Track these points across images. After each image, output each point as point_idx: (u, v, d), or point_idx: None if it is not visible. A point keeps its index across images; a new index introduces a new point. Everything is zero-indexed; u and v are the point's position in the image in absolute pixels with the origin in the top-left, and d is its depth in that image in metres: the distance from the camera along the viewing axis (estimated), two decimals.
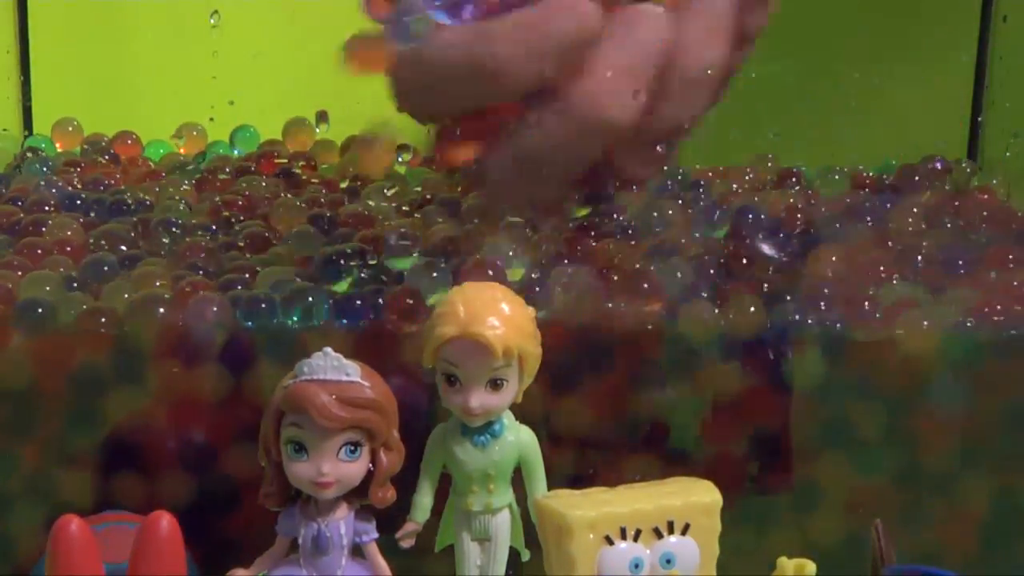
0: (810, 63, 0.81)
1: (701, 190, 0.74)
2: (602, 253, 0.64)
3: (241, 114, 0.78)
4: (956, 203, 0.71)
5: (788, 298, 0.58)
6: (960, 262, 0.63)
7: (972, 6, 0.79)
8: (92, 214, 0.68)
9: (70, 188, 0.72)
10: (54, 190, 0.71)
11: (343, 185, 0.69)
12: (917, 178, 0.75)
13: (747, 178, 0.77)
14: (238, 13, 0.49)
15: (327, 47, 0.61)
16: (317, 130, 0.75)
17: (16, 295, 0.58)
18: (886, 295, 0.59)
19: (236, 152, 0.80)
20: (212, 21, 0.57)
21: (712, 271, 0.61)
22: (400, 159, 0.65)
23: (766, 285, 0.60)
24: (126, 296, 0.58)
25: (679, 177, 0.77)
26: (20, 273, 0.61)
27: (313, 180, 0.73)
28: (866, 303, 0.58)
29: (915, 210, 0.69)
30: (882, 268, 0.62)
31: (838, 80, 0.81)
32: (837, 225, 0.67)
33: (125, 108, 0.82)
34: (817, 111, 0.81)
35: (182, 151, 0.80)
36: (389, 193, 0.67)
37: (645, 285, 0.59)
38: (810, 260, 0.63)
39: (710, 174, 0.79)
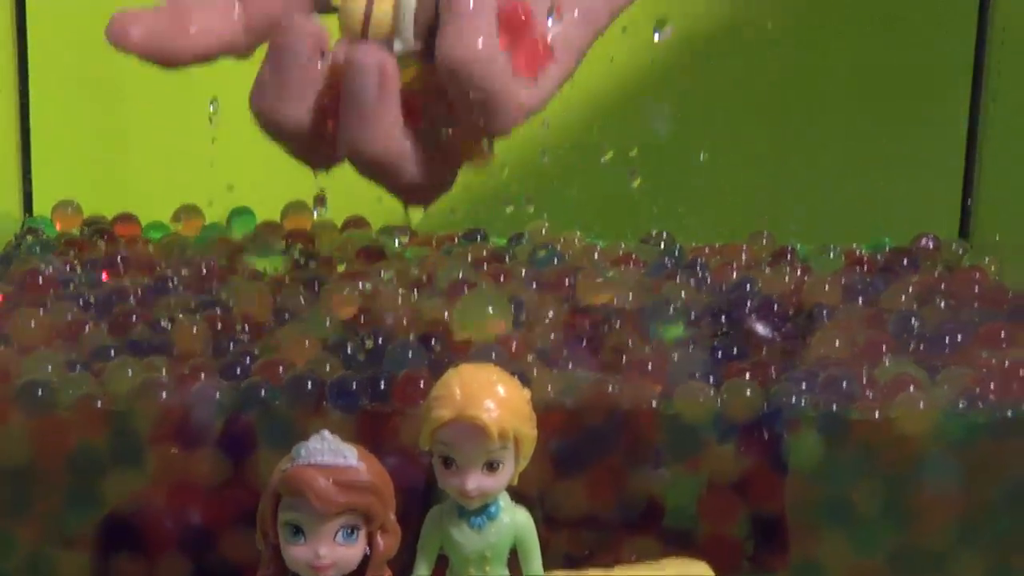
0: (804, 140, 0.82)
1: (698, 267, 0.75)
2: (598, 334, 0.64)
3: (240, 196, 0.79)
4: (949, 281, 0.71)
5: (785, 379, 0.59)
6: (955, 340, 0.64)
7: (962, 86, 0.80)
8: (92, 299, 0.69)
9: (69, 268, 0.73)
10: (53, 269, 0.72)
11: (340, 269, 0.70)
12: (909, 257, 0.75)
13: (743, 256, 0.78)
14: (237, 99, 0.50)
15: None
16: (315, 214, 0.75)
17: (17, 375, 0.59)
18: (882, 375, 0.60)
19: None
20: (211, 108, 0.57)
21: (708, 352, 0.62)
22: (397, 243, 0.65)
23: (763, 366, 0.60)
24: (127, 377, 0.59)
25: (676, 254, 0.78)
26: (21, 353, 0.61)
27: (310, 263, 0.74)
28: (863, 383, 0.58)
29: (909, 289, 0.69)
30: (877, 347, 0.62)
31: (832, 157, 0.82)
32: (832, 305, 0.68)
33: (124, 191, 0.83)
34: (811, 187, 0.82)
35: (181, 232, 0.80)
36: (386, 277, 0.68)
37: (644, 366, 0.60)
38: (806, 340, 0.63)
39: (707, 251, 0.79)
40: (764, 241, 0.80)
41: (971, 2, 0.80)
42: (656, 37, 0.53)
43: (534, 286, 0.72)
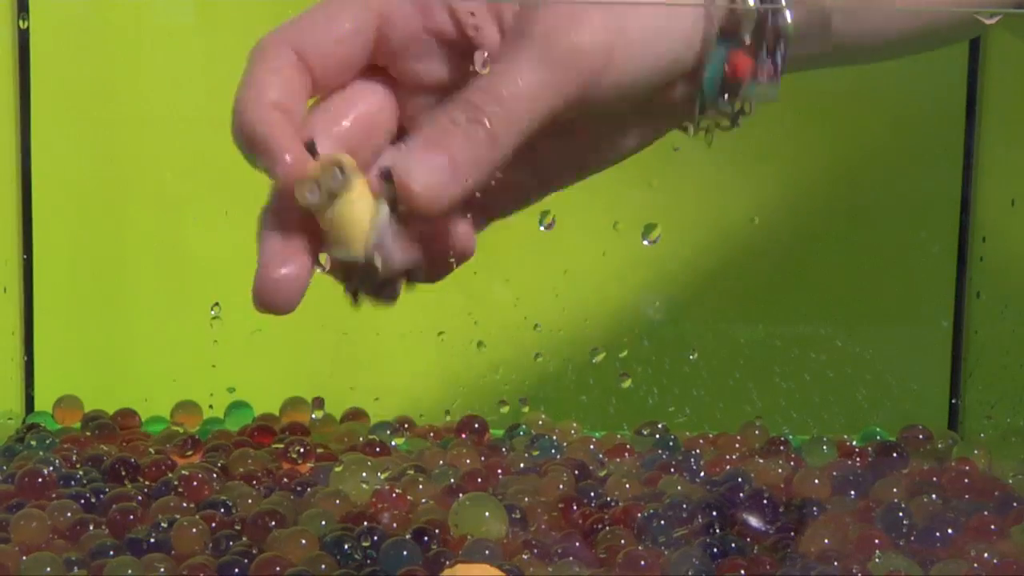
0: (793, 331, 0.83)
1: (692, 459, 0.76)
2: (593, 529, 0.65)
3: (240, 393, 0.80)
4: (939, 474, 0.72)
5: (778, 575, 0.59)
6: (945, 533, 0.64)
7: (947, 281, 0.82)
8: (93, 499, 0.69)
9: (69, 466, 0.74)
10: (53, 469, 0.72)
11: (338, 469, 0.70)
12: (899, 450, 0.76)
13: (736, 446, 0.79)
14: (239, 301, 0.51)
15: (326, 328, 0.64)
16: (313, 416, 0.77)
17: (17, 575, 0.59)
18: (875, 569, 0.60)
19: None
20: (213, 313, 0.59)
21: (702, 549, 0.62)
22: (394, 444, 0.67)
23: (756, 563, 0.61)
24: None
25: (670, 444, 0.79)
26: (22, 552, 0.62)
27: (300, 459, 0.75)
28: None
29: (900, 481, 0.70)
30: (868, 541, 0.63)
31: (822, 348, 0.83)
32: (824, 498, 0.69)
33: (126, 385, 0.84)
34: (802, 378, 0.83)
35: (181, 429, 0.82)
36: (383, 476, 0.69)
37: (641, 562, 0.60)
38: (799, 533, 0.64)
39: (701, 441, 0.80)
40: (757, 431, 0.81)
41: (953, 203, 0.82)
42: (645, 242, 0.55)
43: (533, 477, 0.72)
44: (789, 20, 0.53)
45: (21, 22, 0.79)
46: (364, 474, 0.70)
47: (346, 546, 0.63)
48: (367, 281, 0.52)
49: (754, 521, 0.66)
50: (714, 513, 0.66)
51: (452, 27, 0.53)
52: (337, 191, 0.50)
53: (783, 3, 0.53)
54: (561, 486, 0.71)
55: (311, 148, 0.52)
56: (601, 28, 0.52)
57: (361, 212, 0.51)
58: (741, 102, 0.55)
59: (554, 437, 0.79)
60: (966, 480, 0.71)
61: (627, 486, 0.71)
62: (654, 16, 0.53)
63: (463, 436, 0.80)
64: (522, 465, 0.75)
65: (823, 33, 0.56)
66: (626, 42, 0.52)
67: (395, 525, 0.66)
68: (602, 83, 0.52)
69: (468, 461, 0.75)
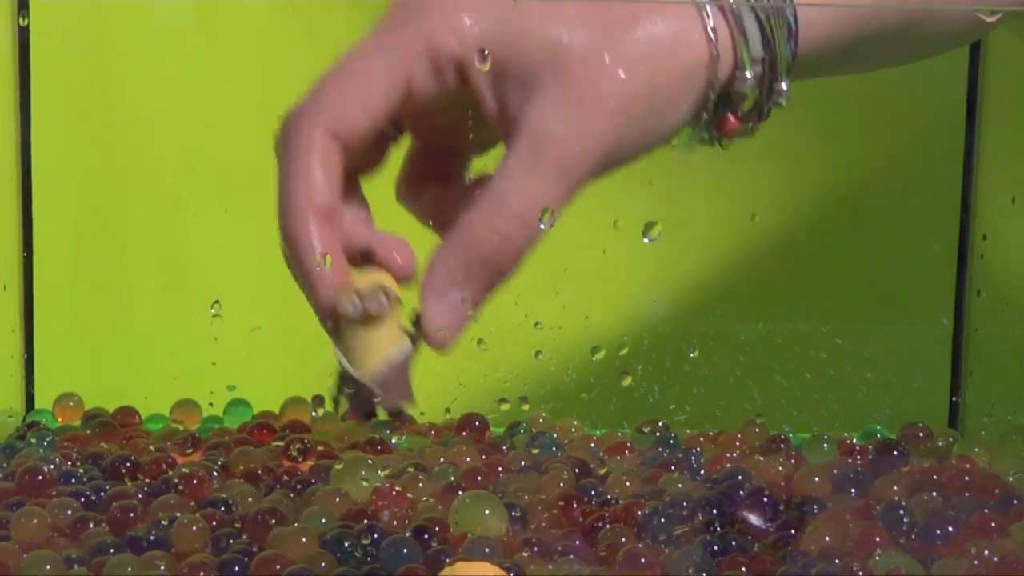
0: (794, 328, 0.83)
1: (692, 457, 0.76)
2: (594, 527, 0.65)
3: (239, 391, 0.80)
4: (939, 472, 0.72)
5: (779, 575, 0.59)
6: (946, 531, 0.64)
7: (947, 279, 0.82)
8: (93, 497, 0.69)
9: (69, 463, 0.74)
10: (53, 467, 0.72)
11: (338, 467, 0.70)
12: (900, 448, 0.76)
13: (737, 444, 0.79)
14: (239, 298, 0.51)
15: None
16: (313, 414, 0.77)
17: (17, 572, 0.59)
18: (876, 567, 0.60)
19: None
20: (213, 311, 0.59)
21: (703, 547, 0.62)
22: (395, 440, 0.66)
23: (757, 560, 0.61)
24: (126, 574, 0.59)
25: (670, 442, 0.79)
26: (22, 550, 0.62)
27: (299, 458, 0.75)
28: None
29: (900, 479, 0.70)
30: (869, 539, 0.63)
31: (822, 346, 0.83)
32: (824, 496, 0.69)
33: (126, 383, 0.84)
34: (802, 376, 0.83)
35: (181, 427, 0.82)
36: (383, 474, 0.69)
37: (641, 560, 0.60)
38: (799, 531, 0.64)
39: (701, 439, 0.80)
40: (757, 429, 0.81)
41: (953, 202, 0.82)
42: (645, 240, 0.55)
43: (533, 475, 0.72)
44: (785, 88, 0.54)
45: (21, 20, 0.79)
46: (364, 472, 0.70)
47: (346, 544, 0.63)
48: (354, 398, 0.54)
49: (755, 519, 0.66)
50: (715, 511, 0.66)
51: (463, 86, 0.53)
52: (373, 314, 0.52)
53: (781, 82, 0.54)
54: (561, 484, 0.71)
55: (368, 257, 0.53)
56: (609, 122, 0.52)
57: (385, 343, 0.53)
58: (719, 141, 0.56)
59: (555, 435, 0.79)
60: (966, 478, 0.71)
61: (627, 484, 0.71)
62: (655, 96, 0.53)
63: (463, 434, 0.80)
64: (523, 463, 0.75)
65: (839, 59, 0.56)
66: (630, 125, 0.52)
67: (395, 523, 0.66)
68: (608, 166, 0.53)
69: (468, 459, 0.75)
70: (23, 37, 0.80)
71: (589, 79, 0.51)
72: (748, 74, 0.53)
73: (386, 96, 0.52)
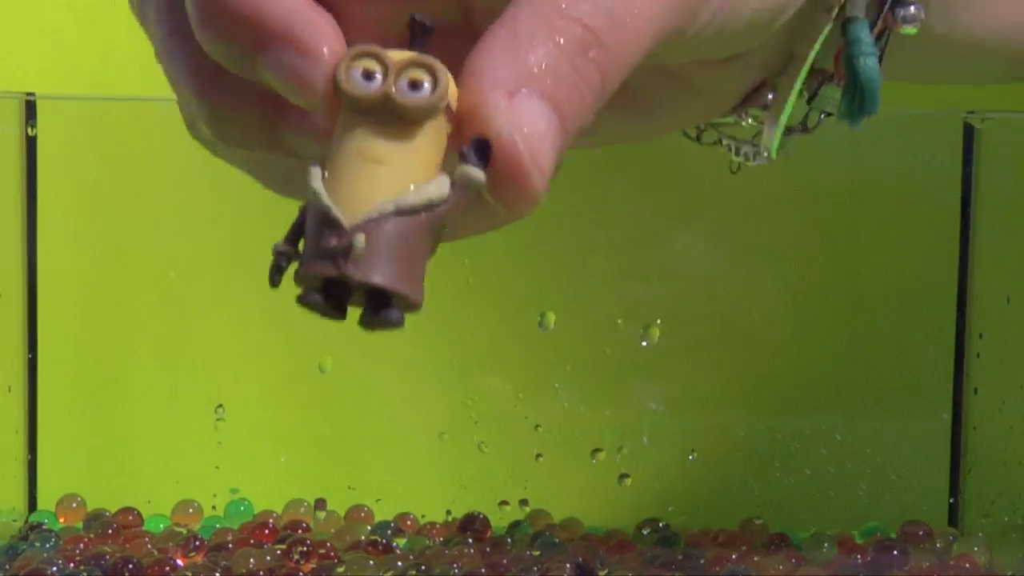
0: (793, 425, 0.84)
1: (694, 557, 0.76)
2: None
3: (241, 492, 0.80)
4: (939, 570, 0.72)
5: None
6: None
7: (944, 378, 0.83)
8: None
9: (72, 566, 0.74)
10: (55, 569, 0.73)
11: (340, 571, 0.70)
12: (900, 547, 0.76)
13: (742, 547, 0.79)
14: (243, 404, 0.52)
15: (328, 426, 0.64)
16: (315, 518, 0.77)
17: None
18: None
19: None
20: (216, 416, 0.59)
21: None
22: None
23: None
24: None
25: (671, 542, 0.79)
26: None
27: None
28: None
29: None
30: None
31: (822, 442, 0.83)
32: None
33: (128, 483, 0.85)
34: (802, 472, 0.83)
35: (184, 530, 0.82)
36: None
37: None
38: None
39: (702, 538, 0.80)
40: (757, 528, 0.81)
41: (949, 299, 0.83)
42: (644, 343, 0.55)
43: (535, 575, 0.72)
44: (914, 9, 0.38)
45: (30, 129, 0.80)
46: (367, 574, 0.70)
47: None
48: (315, 254, 0.32)
49: None
50: None
51: None
52: (405, 106, 0.31)
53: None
54: None
55: (418, 31, 0.32)
56: None
57: (407, 170, 0.32)
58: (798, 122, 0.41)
59: (556, 539, 0.79)
60: None
61: None
62: None
63: (464, 534, 0.80)
64: (524, 563, 0.75)
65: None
66: None
67: None
68: (705, 11, 0.35)
69: (469, 560, 0.75)
70: (31, 146, 0.81)
71: None
72: None
73: None
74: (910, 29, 0.38)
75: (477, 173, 0.31)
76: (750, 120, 0.41)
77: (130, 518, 0.82)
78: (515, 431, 0.77)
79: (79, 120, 0.82)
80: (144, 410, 0.84)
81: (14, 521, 0.84)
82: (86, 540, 0.79)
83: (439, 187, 0.32)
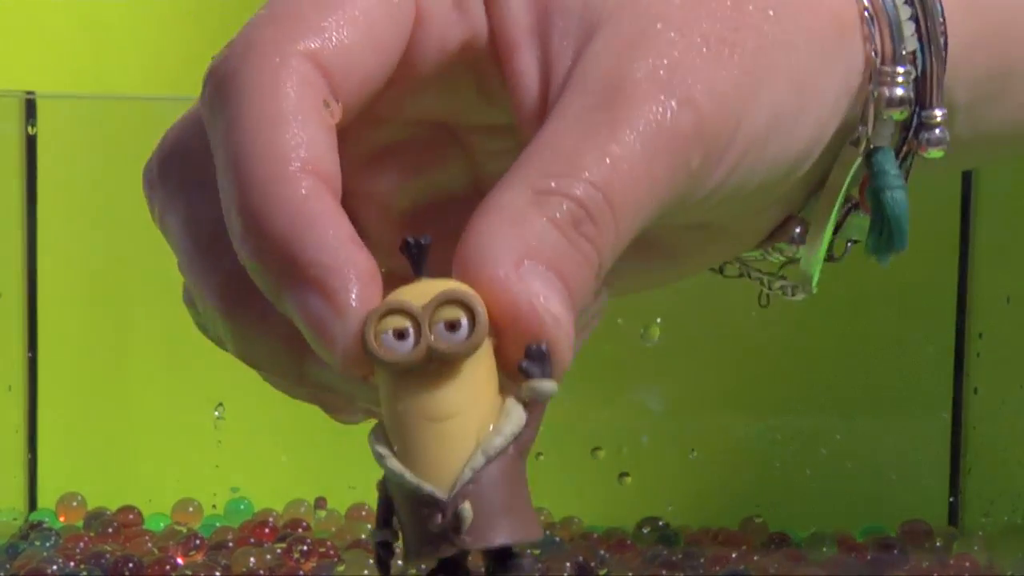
0: (794, 425, 0.84)
1: (693, 556, 0.76)
2: None
3: (242, 491, 0.80)
4: (939, 570, 0.72)
5: None
6: None
7: (944, 378, 0.83)
8: None
9: (72, 565, 0.74)
10: (55, 568, 0.73)
11: (340, 569, 0.70)
12: (900, 545, 0.76)
13: (742, 547, 0.79)
14: (242, 403, 0.51)
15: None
16: (314, 515, 0.77)
17: None
18: None
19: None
20: (216, 415, 0.59)
21: None
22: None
23: None
24: None
25: (671, 541, 0.79)
26: None
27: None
28: None
29: None
30: None
31: (823, 442, 0.83)
32: None
33: (128, 482, 0.85)
34: (803, 472, 0.83)
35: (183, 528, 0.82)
36: None
37: None
38: None
39: (702, 537, 0.80)
40: (757, 527, 0.81)
41: (949, 299, 0.83)
42: (644, 342, 0.55)
43: (535, 574, 0.72)
44: (940, 123, 0.36)
45: (30, 128, 0.80)
46: (367, 572, 0.70)
47: None
48: (420, 540, 0.29)
49: None
50: None
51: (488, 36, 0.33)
52: (452, 353, 0.29)
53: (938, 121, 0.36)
54: None
55: (417, 253, 0.30)
56: (731, 83, 0.32)
57: (475, 418, 0.29)
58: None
59: (556, 538, 0.79)
60: None
61: None
62: (796, 81, 0.34)
63: None
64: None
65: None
66: (760, 112, 0.33)
67: None
68: (719, 171, 0.33)
69: (470, 559, 0.75)
70: (31, 145, 0.81)
71: (691, 15, 0.32)
72: (901, 70, 0.35)
73: (393, 21, 0.32)
74: (936, 153, 0.37)
75: (548, 385, 0.29)
76: (777, 255, 0.40)
77: (130, 517, 0.83)
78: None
79: (79, 118, 0.82)
80: (144, 409, 0.84)
81: (14, 520, 0.84)
82: (86, 539, 0.79)
83: (518, 418, 0.29)
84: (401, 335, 0.29)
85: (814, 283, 0.39)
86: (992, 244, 0.82)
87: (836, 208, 0.38)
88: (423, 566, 0.30)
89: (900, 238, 0.38)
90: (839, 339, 0.84)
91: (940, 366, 0.82)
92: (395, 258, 0.32)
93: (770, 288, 0.41)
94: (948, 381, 0.82)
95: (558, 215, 0.30)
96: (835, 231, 0.39)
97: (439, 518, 0.29)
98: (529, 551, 0.30)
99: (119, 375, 0.84)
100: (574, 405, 0.80)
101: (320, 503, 0.56)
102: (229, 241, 0.31)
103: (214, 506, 0.82)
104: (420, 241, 0.29)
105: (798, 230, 0.38)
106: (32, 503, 0.86)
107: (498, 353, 0.29)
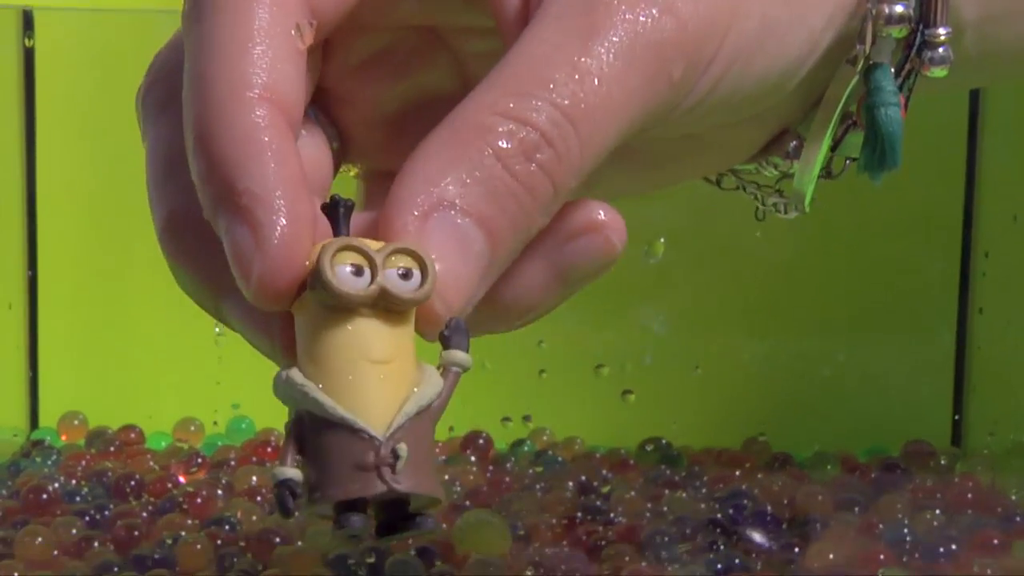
0: (797, 346, 0.84)
1: (696, 475, 0.76)
2: (597, 545, 0.65)
3: (243, 409, 0.80)
4: (942, 489, 0.72)
5: None
6: (949, 548, 0.64)
7: (949, 297, 0.82)
8: (97, 516, 0.69)
9: (74, 482, 0.74)
10: (58, 486, 0.73)
11: None
12: (903, 466, 0.76)
13: (740, 461, 0.79)
14: None
15: None
16: None
17: None
18: None
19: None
20: (217, 331, 0.59)
21: (706, 565, 0.62)
22: None
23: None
24: None
25: (674, 460, 0.79)
26: (27, 568, 0.62)
27: None
28: None
29: (903, 497, 0.70)
30: (873, 557, 0.63)
31: (825, 363, 0.83)
32: (827, 514, 0.69)
33: (129, 403, 0.85)
34: (805, 393, 0.83)
35: (184, 445, 0.82)
36: None
37: None
38: (803, 549, 0.64)
39: (704, 457, 0.80)
40: (760, 447, 0.81)
41: (955, 218, 0.82)
42: (648, 260, 0.55)
43: (536, 493, 0.72)
44: (944, 40, 0.36)
45: (27, 40, 0.80)
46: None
47: (350, 563, 0.63)
48: (344, 477, 0.30)
49: (758, 537, 0.66)
50: (718, 529, 0.66)
51: None
52: (403, 299, 0.29)
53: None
54: (565, 503, 0.71)
55: (337, 213, 0.30)
56: None
57: (411, 362, 0.30)
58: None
59: (559, 458, 0.79)
60: (969, 496, 0.71)
61: (631, 502, 0.71)
62: None
63: (467, 452, 0.80)
64: (526, 481, 0.75)
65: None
66: (748, 21, 0.32)
67: (399, 542, 0.66)
68: (704, 82, 0.32)
69: (472, 478, 0.75)
70: (28, 57, 0.80)
71: None
72: None
73: None
74: (939, 72, 0.37)
75: (462, 357, 0.31)
76: (772, 168, 0.39)
77: (132, 435, 0.83)
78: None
79: (76, 31, 0.81)
80: (145, 327, 0.83)
81: (15, 437, 0.84)
82: (88, 457, 0.79)
83: (437, 382, 0.30)
84: (358, 272, 0.29)
85: (807, 201, 0.40)
86: (999, 163, 0.81)
87: (832, 124, 0.37)
88: (326, 507, 0.30)
89: (892, 156, 0.38)
90: (843, 259, 0.84)
91: (945, 286, 0.82)
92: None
93: (764, 204, 0.40)
94: (953, 301, 0.82)
95: (507, 144, 0.29)
96: (833, 148, 0.38)
97: (371, 455, 0.29)
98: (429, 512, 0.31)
99: (119, 292, 0.84)
100: (577, 323, 0.80)
101: None
102: (186, 167, 0.32)
103: (215, 423, 0.81)
104: (344, 202, 0.30)
105: (793, 144, 0.38)
106: (34, 422, 0.86)
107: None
